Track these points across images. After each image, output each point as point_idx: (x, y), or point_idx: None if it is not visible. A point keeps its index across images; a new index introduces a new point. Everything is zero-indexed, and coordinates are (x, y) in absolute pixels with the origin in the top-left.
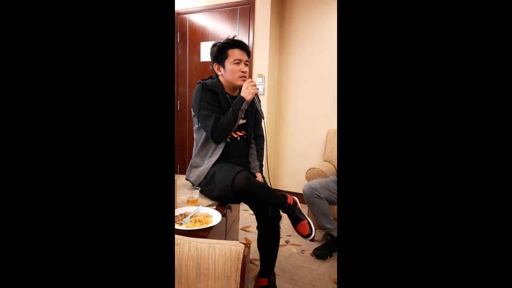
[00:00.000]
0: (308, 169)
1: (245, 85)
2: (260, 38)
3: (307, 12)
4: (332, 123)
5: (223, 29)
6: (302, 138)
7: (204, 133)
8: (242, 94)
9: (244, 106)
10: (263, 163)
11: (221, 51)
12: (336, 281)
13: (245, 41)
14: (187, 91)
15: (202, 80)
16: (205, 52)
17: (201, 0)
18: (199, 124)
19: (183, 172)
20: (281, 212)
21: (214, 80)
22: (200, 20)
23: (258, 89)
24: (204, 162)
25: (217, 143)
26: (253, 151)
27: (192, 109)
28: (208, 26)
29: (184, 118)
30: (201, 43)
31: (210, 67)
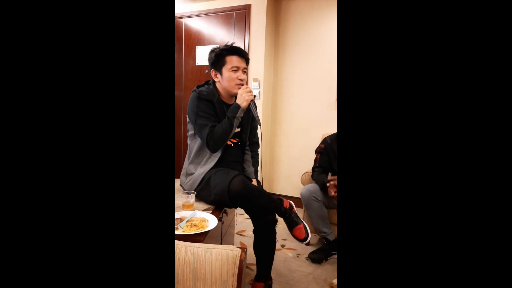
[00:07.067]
0: (303, 173)
1: (240, 92)
2: (255, 42)
3: (302, 18)
4: (327, 127)
5: (219, 34)
6: (297, 142)
7: (198, 140)
8: (237, 101)
9: (240, 114)
10: (258, 168)
11: (219, 57)
12: (332, 285)
13: (241, 45)
14: (182, 95)
15: (198, 87)
16: (201, 56)
17: (196, 5)
18: (194, 131)
19: (178, 175)
20: (277, 216)
21: (211, 87)
22: (196, 24)
23: (254, 95)
24: (198, 169)
25: (213, 151)
26: (248, 157)
27: (187, 116)
28: (204, 31)
29: (179, 122)
30: (197, 47)
31: (206, 71)
